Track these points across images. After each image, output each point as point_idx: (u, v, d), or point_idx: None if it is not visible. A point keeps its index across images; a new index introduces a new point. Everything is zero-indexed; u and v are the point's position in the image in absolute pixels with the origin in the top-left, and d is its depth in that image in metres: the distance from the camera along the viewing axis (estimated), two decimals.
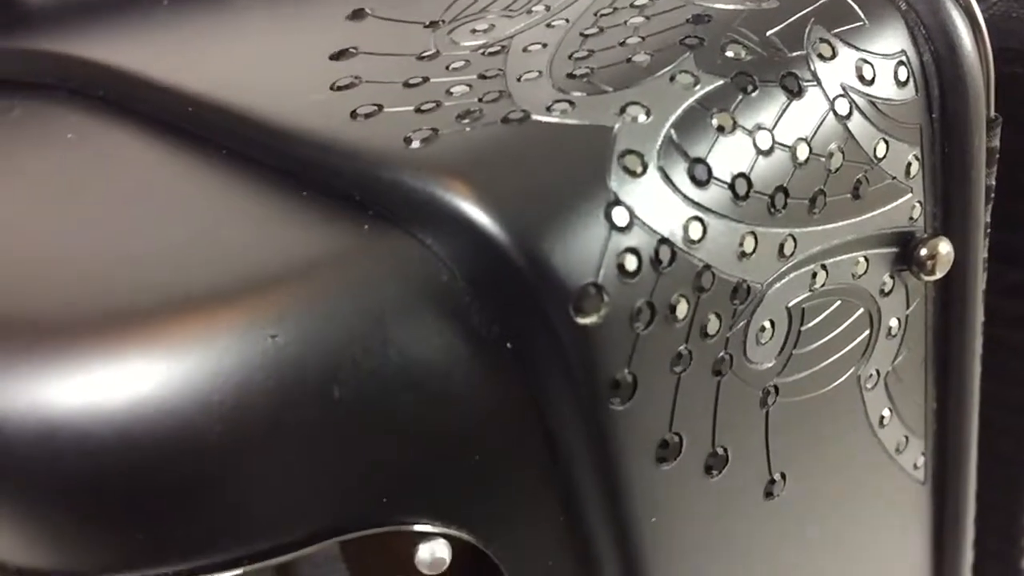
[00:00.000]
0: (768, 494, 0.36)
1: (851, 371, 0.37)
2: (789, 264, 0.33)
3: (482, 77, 0.33)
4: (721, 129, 0.31)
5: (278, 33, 0.42)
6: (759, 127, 0.31)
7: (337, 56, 0.37)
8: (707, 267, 0.30)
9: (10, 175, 0.39)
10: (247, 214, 0.32)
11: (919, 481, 0.44)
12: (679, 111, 0.30)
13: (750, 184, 0.31)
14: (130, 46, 0.43)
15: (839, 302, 0.36)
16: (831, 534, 0.40)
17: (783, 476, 0.36)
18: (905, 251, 0.37)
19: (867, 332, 0.37)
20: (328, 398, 0.28)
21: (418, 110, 0.32)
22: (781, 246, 0.32)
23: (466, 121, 0.31)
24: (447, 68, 0.34)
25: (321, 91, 0.35)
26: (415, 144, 0.30)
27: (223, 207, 0.33)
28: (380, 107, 0.33)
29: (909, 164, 0.36)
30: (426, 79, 0.34)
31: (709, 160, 0.30)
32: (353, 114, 0.32)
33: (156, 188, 0.35)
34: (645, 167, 0.29)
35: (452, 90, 0.33)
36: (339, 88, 0.34)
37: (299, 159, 0.32)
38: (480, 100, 0.32)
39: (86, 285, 0.29)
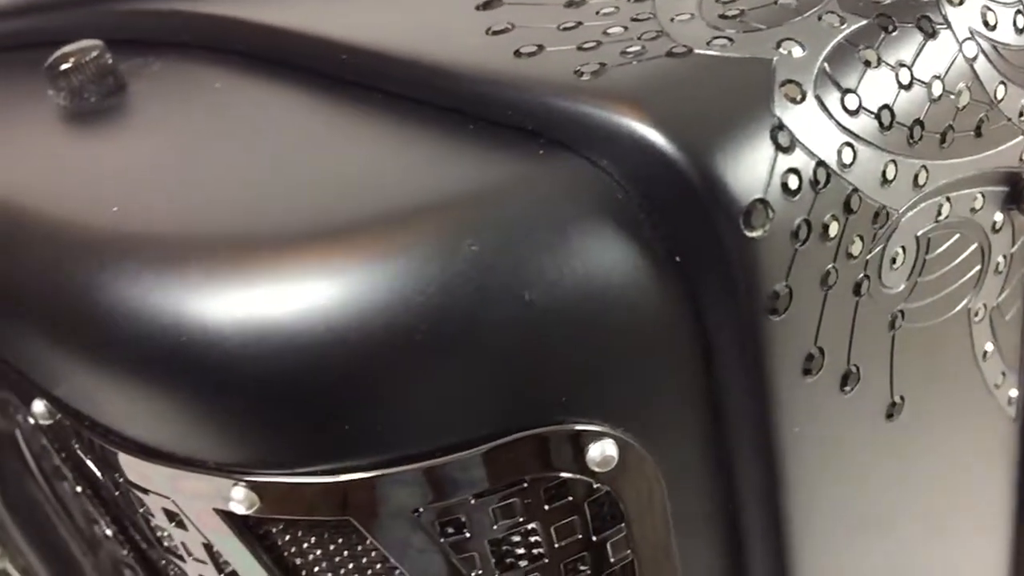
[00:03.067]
0: (889, 415, 0.39)
1: (963, 303, 0.40)
2: (921, 194, 0.35)
3: (635, 20, 0.36)
4: (868, 64, 0.33)
5: None
6: (900, 63, 0.34)
7: (485, 6, 0.39)
8: (855, 190, 0.33)
9: (173, 119, 0.42)
10: (424, 145, 0.35)
11: (1011, 418, 0.47)
12: (830, 46, 0.33)
13: (893, 115, 0.33)
14: (271, 4, 0.46)
15: (958, 235, 0.38)
16: (935, 461, 0.43)
17: (902, 399, 0.39)
18: (1015, 190, 0.40)
19: (978, 267, 0.40)
20: (520, 302, 0.30)
21: (580, 48, 0.35)
22: (916, 176, 0.35)
23: (631, 55, 0.33)
24: (597, 13, 0.37)
25: (477, 36, 0.37)
26: (586, 76, 0.33)
27: (398, 141, 0.35)
28: (541, 47, 0.35)
29: (1022, 108, 0.38)
30: (579, 23, 0.36)
31: (859, 91, 0.33)
32: (516, 53, 0.35)
33: (329, 127, 0.37)
34: (804, 95, 0.32)
35: (608, 31, 0.35)
36: (495, 33, 0.37)
37: (467, 96, 0.35)
38: (639, 39, 0.34)
39: (299, 205, 0.32)
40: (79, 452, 0.38)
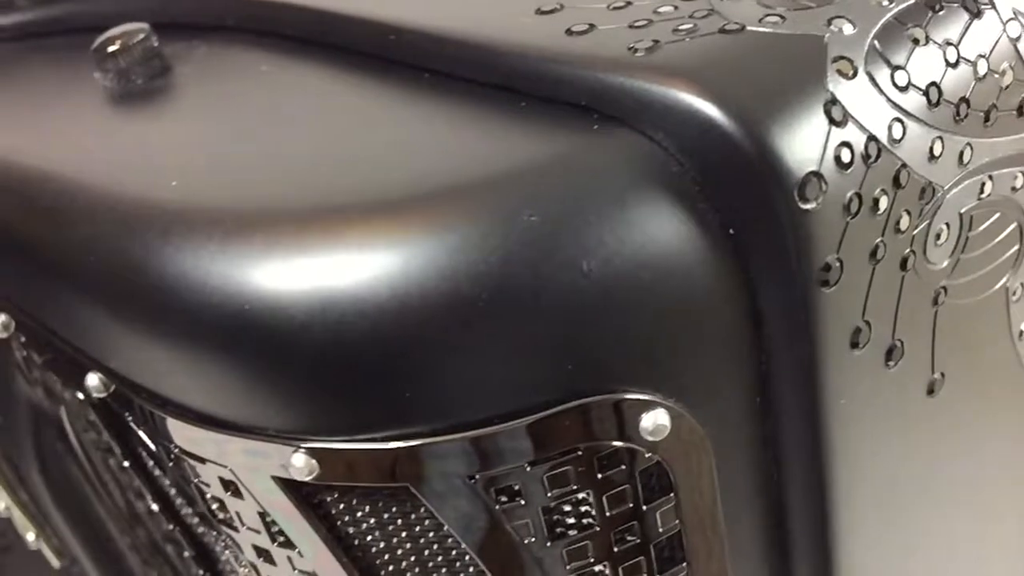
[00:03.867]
0: (930, 391, 0.39)
1: (1003, 281, 0.40)
2: (965, 171, 0.36)
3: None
4: (916, 42, 0.34)
5: None
6: (947, 42, 0.34)
7: None
8: (904, 165, 0.33)
9: (222, 99, 0.43)
10: (478, 122, 0.35)
11: None
12: (879, 24, 0.33)
13: (940, 92, 0.34)
14: None
15: (998, 214, 0.39)
16: (973, 438, 0.43)
17: (942, 376, 0.39)
18: None
19: (1017, 246, 0.40)
20: (578, 271, 0.31)
21: (631, 27, 0.35)
22: (961, 153, 0.35)
23: (683, 33, 0.34)
24: None
25: (527, 15, 0.38)
26: (640, 53, 0.33)
27: (452, 118, 0.36)
28: (592, 26, 0.36)
29: None
30: (628, 3, 0.37)
31: (908, 68, 0.33)
32: (568, 32, 0.36)
33: (381, 106, 0.38)
34: (855, 71, 0.32)
35: (659, 10, 0.36)
36: (544, 12, 0.38)
37: (519, 73, 0.36)
38: (690, 17, 0.35)
39: (360, 178, 0.33)
40: (132, 424, 0.39)
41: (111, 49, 0.45)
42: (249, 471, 0.35)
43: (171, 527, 0.45)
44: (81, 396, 0.43)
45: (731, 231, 0.32)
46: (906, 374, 0.38)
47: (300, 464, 0.33)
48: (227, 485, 0.36)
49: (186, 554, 0.45)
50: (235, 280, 0.32)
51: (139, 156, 0.39)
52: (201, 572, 0.45)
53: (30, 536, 0.61)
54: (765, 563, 0.39)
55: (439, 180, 0.32)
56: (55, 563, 0.62)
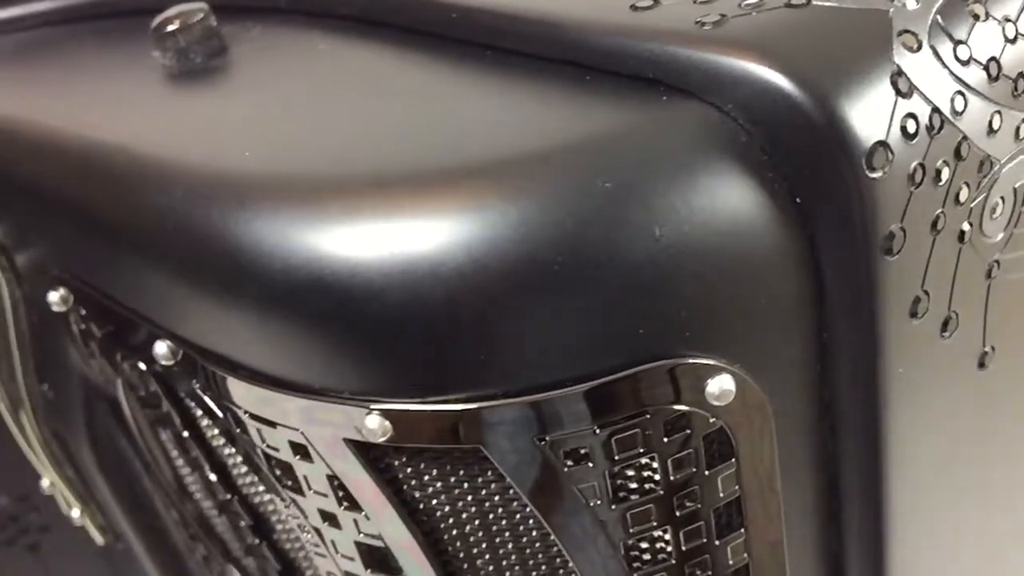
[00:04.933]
0: (981, 364, 0.40)
1: None
2: (1021, 146, 0.37)
3: None
4: (976, 17, 0.35)
5: None
6: (1006, 18, 0.35)
7: None
8: (965, 138, 0.34)
9: (285, 76, 0.43)
10: (547, 94, 0.36)
11: None
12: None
13: (1000, 67, 0.35)
14: None
15: None
16: (1020, 413, 0.44)
17: (993, 349, 0.40)
18: None
19: None
20: (650, 237, 0.32)
21: (696, 2, 0.36)
22: (1018, 128, 0.36)
23: (750, 7, 0.35)
24: None
25: None
26: (708, 26, 0.34)
27: (521, 91, 0.37)
28: (657, 1, 0.37)
29: None
30: None
31: (969, 43, 0.34)
32: (633, 7, 0.37)
33: (450, 81, 0.39)
34: (920, 44, 0.33)
35: None
36: None
37: (585, 48, 0.36)
38: None
39: (437, 146, 0.34)
40: (198, 391, 0.40)
41: (170, 28, 0.46)
42: (320, 434, 0.36)
43: (228, 497, 0.45)
44: (143, 366, 0.44)
45: (797, 200, 0.33)
46: (959, 346, 0.38)
47: (374, 426, 0.34)
48: (297, 448, 0.37)
49: (242, 523, 0.46)
50: (314, 245, 0.33)
51: (206, 129, 0.40)
52: (257, 541, 0.46)
53: (75, 512, 0.62)
54: (818, 531, 0.40)
55: (516, 148, 0.33)
56: (99, 540, 0.63)
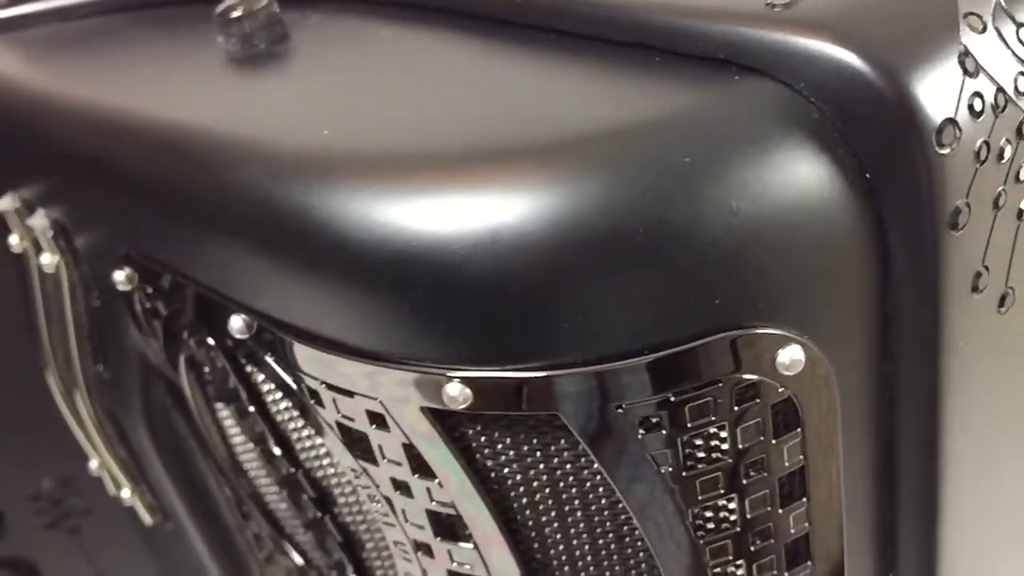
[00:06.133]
0: None
1: None
2: None
3: None
4: None
5: None
6: None
7: None
8: None
9: (352, 60, 0.44)
10: (619, 74, 0.37)
11: None
12: None
13: None
14: None
15: None
16: None
17: None
18: None
19: None
20: (727, 210, 0.33)
21: None
22: None
23: None
24: None
25: None
26: (778, 8, 0.35)
27: (594, 72, 0.38)
28: None
29: None
30: None
31: None
32: None
33: (521, 63, 0.40)
34: (985, 26, 0.34)
35: None
36: None
37: (655, 29, 0.38)
38: None
39: (520, 123, 0.35)
40: (273, 364, 0.41)
41: (235, 15, 0.47)
42: (399, 402, 0.37)
43: (292, 470, 0.46)
44: (211, 341, 0.45)
45: (867, 175, 0.34)
46: (1015, 321, 0.39)
47: (454, 393, 0.35)
48: (373, 418, 0.38)
49: (304, 497, 0.47)
50: (401, 218, 0.34)
51: (281, 110, 0.41)
52: (319, 514, 0.47)
53: (125, 492, 0.63)
54: (872, 502, 0.41)
55: (597, 124, 0.34)
56: (147, 520, 0.64)
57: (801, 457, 0.37)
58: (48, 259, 0.55)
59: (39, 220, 0.54)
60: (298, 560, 0.53)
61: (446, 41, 0.44)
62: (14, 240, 0.57)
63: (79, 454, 0.66)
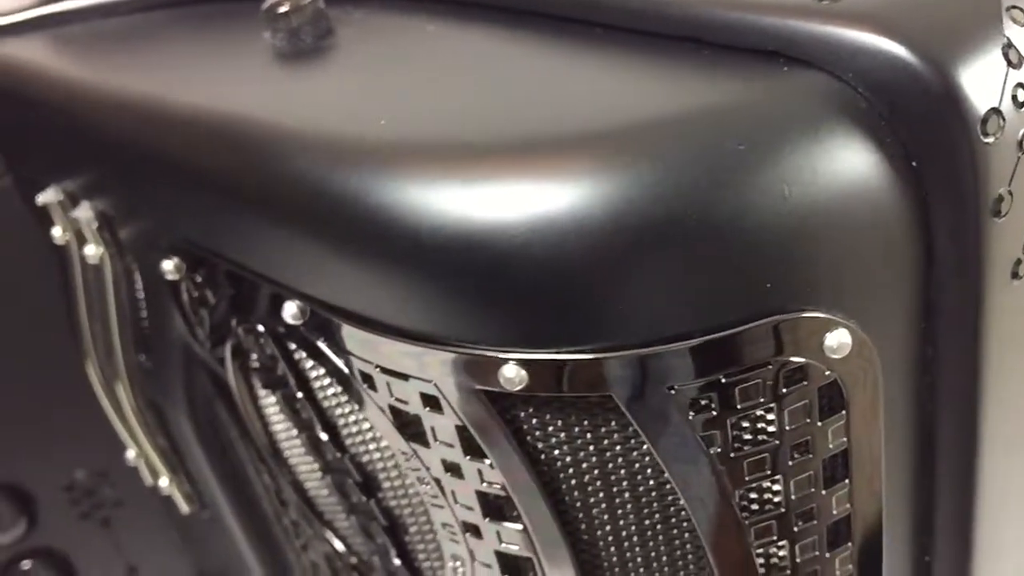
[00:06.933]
0: None
1: None
2: None
3: None
4: None
5: None
6: None
7: None
8: None
9: (399, 54, 0.45)
10: (669, 66, 0.38)
11: None
12: None
13: None
14: None
15: None
16: None
17: None
18: None
19: None
20: (779, 196, 0.34)
21: None
22: None
23: None
24: None
25: None
26: (826, 1, 0.36)
27: (643, 64, 0.39)
28: None
29: None
30: None
31: None
32: None
33: (570, 56, 0.41)
34: None
35: None
36: None
37: (704, 22, 0.39)
38: None
39: (576, 112, 0.36)
40: (326, 350, 0.42)
41: (282, 10, 0.48)
42: (454, 384, 0.38)
43: (338, 455, 0.47)
44: (261, 328, 0.46)
45: (913, 163, 0.35)
46: None
47: (511, 375, 0.36)
48: (427, 400, 0.39)
49: (350, 481, 0.48)
50: (460, 205, 0.35)
51: (334, 102, 0.42)
52: (364, 499, 0.48)
53: (163, 481, 0.64)
54: (911, 485, 0.42)
55: (651, 113, 0.35)
56: (184, 508, 0.65)
57: (845, 439, 0.38)
58: (92, 250, 0.56)
59: (84, 212, 0.55)
60: (339, 546, 0.54)
61: (494, 36, 0.45)
62: (57, 232, 0.58)
63: (114, 445, 0.67)
